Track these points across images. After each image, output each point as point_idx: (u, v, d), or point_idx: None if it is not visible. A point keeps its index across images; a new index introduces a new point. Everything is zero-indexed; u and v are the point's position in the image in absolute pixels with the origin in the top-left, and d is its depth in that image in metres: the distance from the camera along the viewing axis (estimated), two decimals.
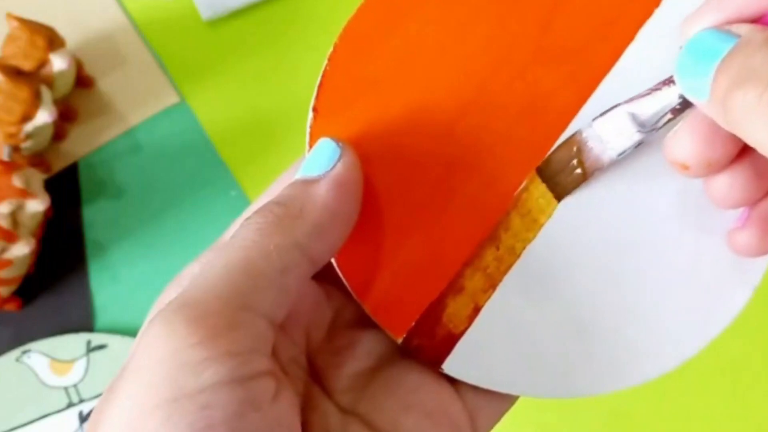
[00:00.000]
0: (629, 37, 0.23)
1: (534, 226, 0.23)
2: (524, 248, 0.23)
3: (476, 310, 0.23)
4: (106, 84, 0.53)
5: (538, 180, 0.23)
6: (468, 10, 0.23)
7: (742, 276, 0.23)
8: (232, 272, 0.18)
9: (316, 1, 0.55)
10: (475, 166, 0.23)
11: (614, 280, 0.23)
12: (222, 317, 0.17)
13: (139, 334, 0.18)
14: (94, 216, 0.50)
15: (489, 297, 0.23)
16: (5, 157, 0.46)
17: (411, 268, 0.23)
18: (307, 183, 0.20)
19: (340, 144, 0.21)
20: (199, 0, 0.53)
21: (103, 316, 0.48)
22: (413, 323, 0.23)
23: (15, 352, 0.46)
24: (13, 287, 0.47)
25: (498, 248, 0.23)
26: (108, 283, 0.49)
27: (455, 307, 0.23)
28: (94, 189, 0.51)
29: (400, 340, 0.22)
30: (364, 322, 0.23)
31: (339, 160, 0.21)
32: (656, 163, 0.23)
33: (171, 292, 0.21)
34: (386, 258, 0.23)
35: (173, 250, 0.49)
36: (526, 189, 0.23)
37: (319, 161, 0.21)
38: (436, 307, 0.23)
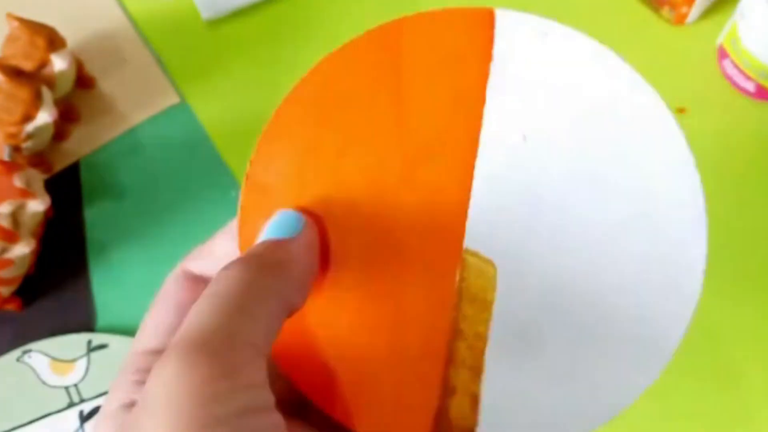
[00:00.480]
0: (479, 108, 0.24)
1: (485, 306, 0.24)
2: (487, 329, 0.24)
3: (475, 400, 0.23)
4: (107, 84, 0.53)
5: (468, 262, 0.24)
6: (342, 138, 0.25)
7: (686, 277, 0.24)
8: (230, 315, 0.19)
9: (316, 2, 0.55)
10: (410, 274, 0.24)
11: (581, 318, 0.23)
12: (235, 353, 0.18)
13: (152, 377, 0.18)
14: (95, 216, 0.50)
15: (480, 383, 0.24)
16: (6, 158, 0.46)
17: (401, 394, 0.23)
18: (280, 242, 0.23)
19: (303, 215, 0.24)
20: (200, 0, 0.54)
21: (103, 316, 0.48)
22: None
23: (16, 352, 0.46)
24: (13, 287, 0.47)
25: (466, 339, 0.24)
26: (109, 283, 0.49)
27: (457, 407, 0.23)
28: (94, 189, 0.51)
29: None
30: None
31: (304, 227, 0.23)
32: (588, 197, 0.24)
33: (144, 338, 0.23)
34: (376, 396, 0.23)
35: (174, 249, 0.49)
36: (462, 279, 0.24)
37: (285, 228, 0.23)
38: (442, 417, 0.23)
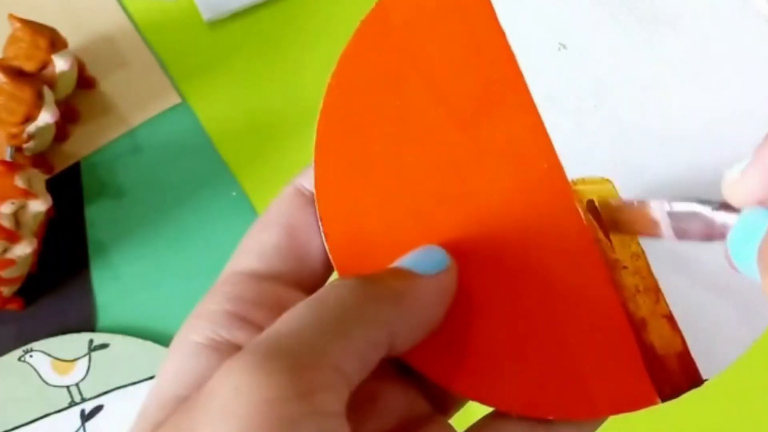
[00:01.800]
0: (502, 39, 0.23)
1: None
2: (639, 244, 0.22)
3: (671, 318, 0.22)
4: (108, 85, 0.53)
5: (582, 192, 0.22)
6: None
7: None
8: (325, 329, 0.17)
9: (317, 2, 0.55)
10: (540, 244, 0.22)
11: None
12: (319, 374, 0.16)
13: (221, 374, 0.16)
14: (96, 216, 0.50)
15: (663, 298, 0.22)
16: (8, 158, 0.46)
17: (599, 365, 0.21)
18: (408, 273, 0.20)
19: (449, 258, 0.21)
20: (201, 1, 0.54)
21: (105, 316, 0.48)
22: (650, 382, 0.21)
23: (17, 352, 0.46)
24: (15, 287, 0.47)
25: (625, 266, 0.22)
26: (110, 283, 0.49)
27: (657, 336, 0.22)
28: (96, 189, 0.51)
29: (660, 402, 0.21)
30: (387, 373, 0.22)
31: (444, 271, 0.21)
32: None
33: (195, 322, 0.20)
34: (576, 380, 0.21)
35: (175, 249, 0.49)
36: (586, 211, 0.22)
37: (424, 263, 0.21)
38: (649, 357, 0.21)
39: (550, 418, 0.21)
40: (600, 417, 0.22)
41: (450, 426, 0.22)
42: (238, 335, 0.20)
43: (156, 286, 0.49)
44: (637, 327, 0.22)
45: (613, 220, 0.22)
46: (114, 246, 0.49)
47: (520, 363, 0.21)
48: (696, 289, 0.22)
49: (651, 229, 0.21)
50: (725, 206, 0.19)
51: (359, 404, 0.20)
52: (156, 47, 0.54)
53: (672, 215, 0.20)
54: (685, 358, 0.22)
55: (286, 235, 0.22)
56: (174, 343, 0.20)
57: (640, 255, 0.22)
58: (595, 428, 0.22)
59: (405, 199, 0.23)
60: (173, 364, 0.20)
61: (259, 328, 0.18)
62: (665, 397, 0.21)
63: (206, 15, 0.54)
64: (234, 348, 0.19)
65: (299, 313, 0.18)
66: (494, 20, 0.23)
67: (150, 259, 0.49)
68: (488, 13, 0.24)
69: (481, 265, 0.22)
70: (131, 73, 0.53)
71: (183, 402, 0.18)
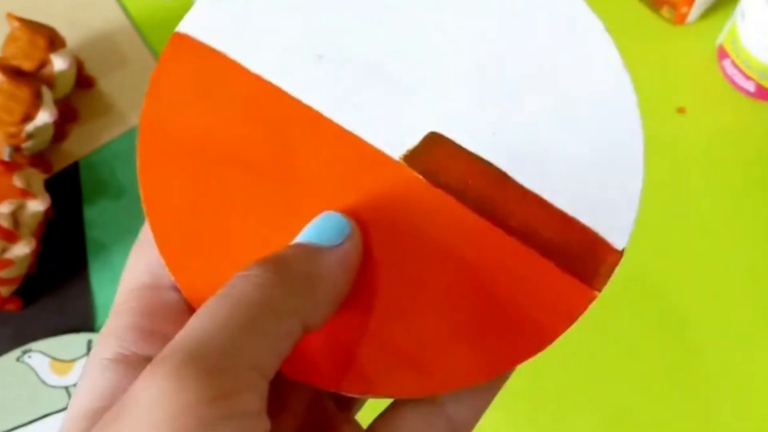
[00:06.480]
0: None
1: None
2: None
3: (562, 216, 0.22)
4: (107, 84, 0.53)
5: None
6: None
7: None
8: (237, 330, 0.17)
9: None
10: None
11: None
12: (234, 376, 0.17)
13: (139, 384, 0.17)
14: (95, 216, 0.50)
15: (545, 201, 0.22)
16: (6, 157, 0.46)
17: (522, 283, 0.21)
18: (314, 250, 0.20)
19: (351, 222, 0.21)
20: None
21: (103, 316, 0.48)
22: (573, 278, 0.21)
23: (15, 352, 0.46)
24: (13, 287, 0.47)
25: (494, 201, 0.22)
26: (109, 283, 0.49)
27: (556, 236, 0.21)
28: (94, 189, 0.51)
29: (598, 293, 0.21)
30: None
31: (348, 237, 0.21)
32: None
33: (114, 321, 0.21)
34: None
35: None
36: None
37: (327, 232, 0.21)
38: (555, 258, 0.21)
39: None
40: (551, 336, 0.21)
41: (355, 422, 0.22)
42: (146, 348, 0.20)
43: None
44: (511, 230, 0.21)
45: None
46: (113, 246, 0.49)
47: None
48: (564, 178, 0.22)
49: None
50: None
51: (272, 404, 0.20)
52: (155, 46, 0.54)
53: None
54: (591, 239, 0.21)
55: None
56: (86, 364, 0.21)
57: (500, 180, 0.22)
58: (489, 399, 0.22)
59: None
60: (86, 381, 0.20)
61: (168, 338, 0.18)
62: (599, 287, 0.21)
63: None
64: (143, 360, 0.20)
65: (209, 311, 0.18)
66: (244, 69, 0.23)
67: None
68: (237, 68, 0.23)
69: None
70: (130, 72, 0.53)
71: (102, 414, 0.18)
